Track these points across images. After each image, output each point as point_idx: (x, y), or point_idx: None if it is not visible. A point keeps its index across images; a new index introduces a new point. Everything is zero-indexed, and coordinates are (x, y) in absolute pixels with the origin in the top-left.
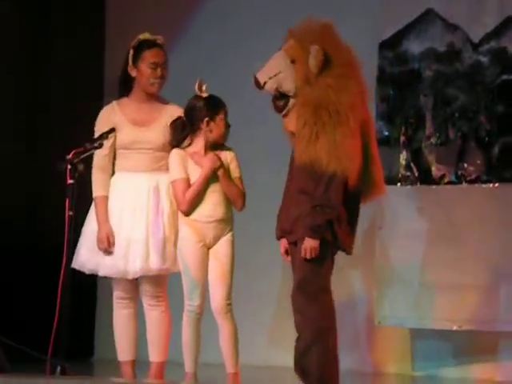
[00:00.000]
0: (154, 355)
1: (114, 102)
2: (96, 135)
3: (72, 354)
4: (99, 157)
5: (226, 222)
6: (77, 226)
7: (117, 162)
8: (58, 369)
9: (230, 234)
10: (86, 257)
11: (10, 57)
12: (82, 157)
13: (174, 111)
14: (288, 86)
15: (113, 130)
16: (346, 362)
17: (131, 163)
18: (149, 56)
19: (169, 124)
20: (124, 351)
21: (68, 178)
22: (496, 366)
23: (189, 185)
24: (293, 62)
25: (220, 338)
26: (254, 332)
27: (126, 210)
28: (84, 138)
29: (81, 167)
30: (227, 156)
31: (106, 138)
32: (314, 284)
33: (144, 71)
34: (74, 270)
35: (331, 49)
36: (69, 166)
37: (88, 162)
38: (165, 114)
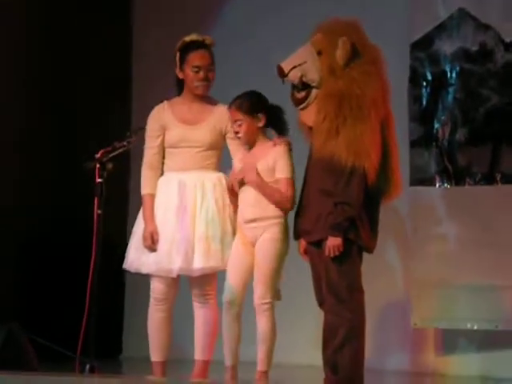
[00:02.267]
0: (199, 353)
1: (165, 102)
2: (146, 134)
3: (101, 352)
4: (149, 155)
5: (266, 220)
6: (106, 224)
7: (165, 161)
8: (87, 367)
9: (272, 232)
10: (133, 256)
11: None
12: (110, 156)
13: (224, 111)
14: (313, 76)
15: (141, 128)
16: (381, 361)
17: (179, 162)
18: (192, 59)
19: (216, 124)
20: (156, 352)
21: (96, 176)
22: None
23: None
24: (319, 53)
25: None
26: (296, 331)
27: (170, 209)
28: (112, 137)
29: (109, 166)
30: (272, 153)
31: (134, 136)
32: (341, 284)
33: (188, 74)
34: (101, 268)
35: (359, 44)
36: (97, 165)
37: (117, 160)
38: (214, 113)
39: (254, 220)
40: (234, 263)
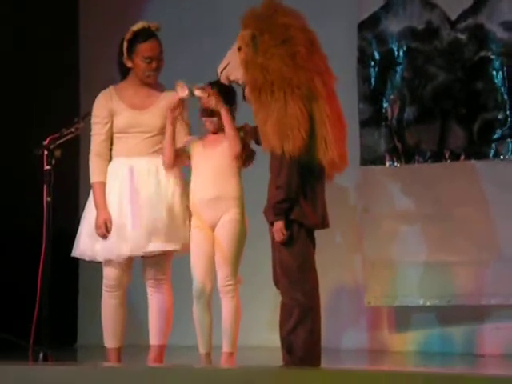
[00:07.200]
0: (154, 338)
1: (111, 87)
2: (93, 121)
3: (55, 341)
4: (96, 142)
5: (226, 200)
6: (55, 212)
7: (114, 147)
8: (41, 355)
9: (232, 213)
10: (87, 244)
11: None
12: (58, 142)
13: (172, 96)
14: (236, 75)
15: (89, 114)
16: (338, 341)
17: (128, 147)
18: (143, 50)
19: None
20: (110, 339)
21: (45, 163)
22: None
23: None
24: (239, 49)
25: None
26: (254, 312)
27: (124, 195)
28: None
29: (57, 153)
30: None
31: (82, 122)
32: (293, 265)
33: (139, 64)
34: (53, 256)
35: (265, 28)
36: (45, 152)
37: (64, 147)
38: (162, 98)
39: (215, 198)
40: (197, 252)
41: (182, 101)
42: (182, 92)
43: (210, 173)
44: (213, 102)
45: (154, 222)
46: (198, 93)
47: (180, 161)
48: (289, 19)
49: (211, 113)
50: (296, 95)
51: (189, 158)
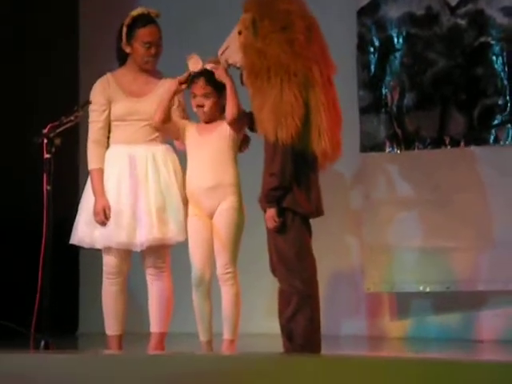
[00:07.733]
0: (154, 326)
1: (109, 74)
2: (91, 108)
3: (57, 329)
4: (94, 129)
5: (224, 188)
6: (55, 200)
7: (111, 134)
8: (42, 343)
9: (230, 201)
10: (85, 231)
11: None
12: (58, 131)
13: (170, 83)
14: (234, 58)
15: (89, 102)
16: (337, 327)
17: (126, 135)
18: (142, 35)
19: None
20: (112, 326)
21: (44, 152)
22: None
23: None
24: (239, 33)
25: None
26: (256, 300)
27: (124, 182)
28: None
29: (57, 141)
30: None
31: (81, 110)
32: (290, 253)
33: (138, 50)
34: (54, 244)
35: (265, 13)
36: (45, 141)
37: (64, 135)
38: (161, 85)
39: (214, 187)
40: (195, 240)
41: (191, 75)
42: (196, 65)
43: (207, 160)
44: (221, 73)
45: (159, 211)
46: (210, 66)
47: (169, 127)
48: (290, 6)
49: (202, 97)
50: (292, 82)
51: (180, 131)
